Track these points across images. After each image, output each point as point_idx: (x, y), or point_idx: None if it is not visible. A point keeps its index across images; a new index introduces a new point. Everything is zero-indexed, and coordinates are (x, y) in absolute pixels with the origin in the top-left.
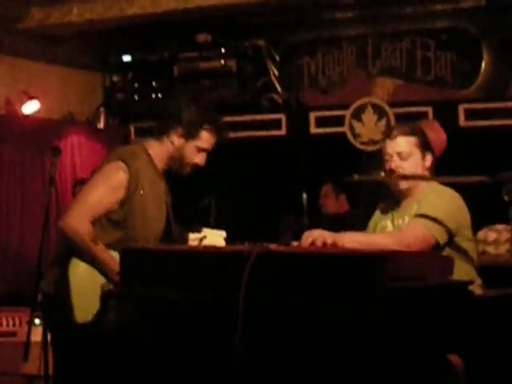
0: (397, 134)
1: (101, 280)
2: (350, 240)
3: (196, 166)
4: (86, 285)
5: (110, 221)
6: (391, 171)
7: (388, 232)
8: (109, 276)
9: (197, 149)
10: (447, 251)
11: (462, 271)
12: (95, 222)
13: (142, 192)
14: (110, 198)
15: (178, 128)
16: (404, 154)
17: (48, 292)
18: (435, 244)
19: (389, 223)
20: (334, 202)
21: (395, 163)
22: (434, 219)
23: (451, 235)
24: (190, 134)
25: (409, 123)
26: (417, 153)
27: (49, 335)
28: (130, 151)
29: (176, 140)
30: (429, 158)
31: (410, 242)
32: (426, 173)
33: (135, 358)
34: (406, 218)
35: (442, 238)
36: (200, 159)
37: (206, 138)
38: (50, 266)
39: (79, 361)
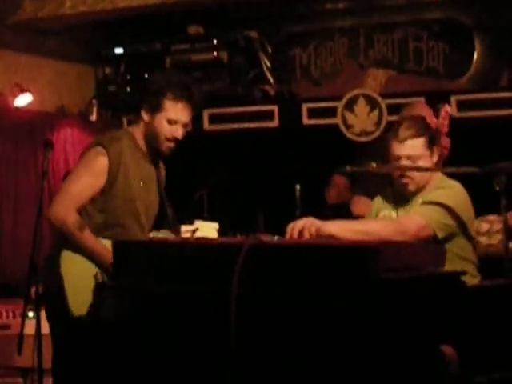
0: (405, 136)
1: (92, 269)
2: (342, 228)
3: (174, 140)
4: (78, 276)
5: (94, 205)
6: (401, 176)
7: (383, 220)
8: (99, 264)
9: (167, 121)
10: (447, 249)
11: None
12: (82, 209)
13: (125, 174)
14: (94, 184)
15: (145, 105)
16: (414, 157)
17: (44, 285)
18: (433, 236)
19: (393, 214)
20: (339, 193)
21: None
22: (435, 211)
23: (452, 232)
24: (153, 107)
25: (407, 116)
26: (426, 153)
27: (47, 327)
28: (110, 136)
29: (145, 116)
30: (436, 152)
31: (405, 230)
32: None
33: (130, 350)
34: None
35: (441, 232)
36: (174, 132)
37: (171, 108)
38: (46, 259)
39: (76, 353)
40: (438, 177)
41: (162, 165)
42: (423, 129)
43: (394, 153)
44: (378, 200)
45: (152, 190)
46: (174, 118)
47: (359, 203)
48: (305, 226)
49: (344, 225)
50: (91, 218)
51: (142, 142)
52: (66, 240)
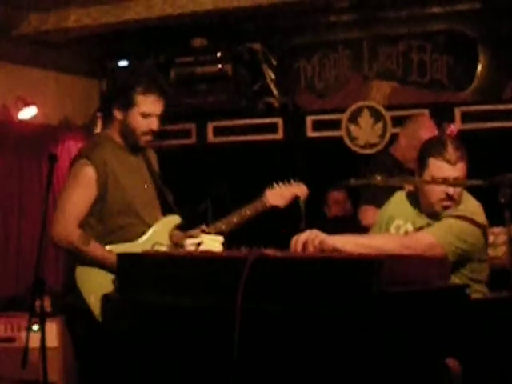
0: (457, 159)
1: (108, 276)
2: (346, 241)
3: (151, 133)
4: (96, 287)
5: (92, 215)
6: (450, 198)
7: (389, 234)
8: (112, 270)
9: (141, 115)
10: (460, 272)
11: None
12: (83, 223)
13: (115, 177)
14: (87, 196)
15: (117, 103)
16: (460, 179)
17: (68, 304)
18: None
19: (409, 226)
20: (340, 208)
21: (455, 189)
22: (450, 232)
23: (465, 257)
24: (125, 104)
25: (456, 144)
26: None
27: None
28: (91, 144)
29: (118, 114)
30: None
31: (411, 247)
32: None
33: (134, 361)
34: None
35: (453, 256)
36: (150, 125)
37: (143, 102)
38: (65, 275)
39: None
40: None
41: (151, 153)
42: (465, 154)
43: (441, 174)
44: (391, 208)
45: (143, 178)
46: (147, 111)
47: (368, 213)
48: (308, 239)
49: (349, 238)
50: (92, 228)
51: (121, 140)
52: (76, 256)
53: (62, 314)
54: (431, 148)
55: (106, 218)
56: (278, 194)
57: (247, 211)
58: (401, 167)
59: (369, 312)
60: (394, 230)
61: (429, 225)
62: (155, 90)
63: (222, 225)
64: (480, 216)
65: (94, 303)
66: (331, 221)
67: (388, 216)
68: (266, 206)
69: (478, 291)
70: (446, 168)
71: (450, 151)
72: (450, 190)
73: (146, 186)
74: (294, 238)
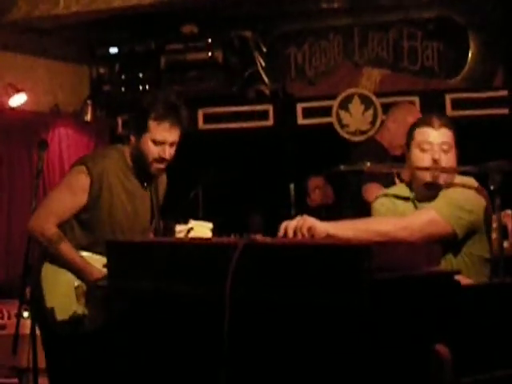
0: (441, 124)
1: (72, 279)
2: (340, 226)
3: (162, 161)
4: (56, 284)
5: (80, 223)
6: (435, 162)
7: (385, 217)
8: (77, 274)
9: (152, 142)
10: (470, 253)
11: (481, 275)
12: (63, 224)
13: (109, 192)
14: (73, 201)
15: (131, 125)
16: (447, 146)
17: (30, 292)
18: (451, 233)
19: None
20: (321, 194)
21: (438, 154)
22: (452, 205)
23: (470, 228)
24: (139, 128)
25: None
26: (454, 147)
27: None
28: (96, 154)
29: (132, 138)
30: (457, 151)
31: (407, 225)
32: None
33: (123, 350)
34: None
35: (461, 229)
36: (161, 153)
37: (155, 129)
38: (33, 267)
39: (66, 355)
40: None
41: (163, 178)
42: (453, 125)
43: (427, 139)
44: (388, 195)
45: (140, 208)
46: (158, 138)
47: (371, 189)
48: (297, 225)
49: (341, 223)
50: (74, 233)
51: (131, 161)
52: (47, 251)
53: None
54: (416, 122)
55: (90, 229)
56: None
57: None
58: (386, 155)
59: (358, 299)
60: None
61: None
62: (170, 118)
63: None
64: (480, 187)
65: (50, 302)
66: (314, 210)
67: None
68: None
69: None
70: (429, 132)
71: (433, 118)
72: (436, 155)
73: (140, 212)
74: (284, 224)
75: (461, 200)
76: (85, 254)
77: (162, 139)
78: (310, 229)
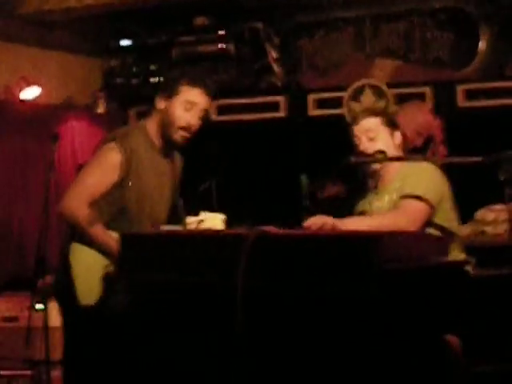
0: (361, 117)
1: (102, 260)
2: (356, 225)
3: (189, 129)
4: (87, 266)
5: (107, 201)
6: (361, 153)
7: (392, 212)
8: (110, 257)
9: (184, 105)
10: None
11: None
12: (93, 203)
13: (138, 170)
14: (106, 179)
15: (161, 92)
16: (371, 133)
17: (56, 276)
18: (430, 207)
19: (367, 206)
20: (331, 186)
21: (364, 145)
22: (421, 180)
23: (440, 198)
24: (170, 92)
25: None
26: (384, 131)
27: (55, 319)
28: (125, 131)
29: (160, 103)
30: (398, 136)
31: (399, 221)
32: (398, 150)
33: (137, 341)
34: (386, 198)
35: (434, 195)
36: (189, 119)
37: (188, 91)
38: (60, 251)
39: (86, 343)
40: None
41: (178, 156)
42: (379, 111)
43: (352, 134)
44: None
45: (166, 183)
46: (191, 99)
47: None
48: (321, 223)
49: (359, 221)
50: (102, 212)
51: (155, 136)
52: (76, 232)
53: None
54: None
55: (116, 207)
56: None
57: None
58: None
59: (369, 289)
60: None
61: None
62: (202, 84)
63: None
64: (434, 169)
65: (79, 280)
66: (325, 201)
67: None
68: None
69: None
70: (354, 128)
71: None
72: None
73: (165, 189)
74: (307, 222)
75: (428, 175)
76: (114, 234)
77: (193, 100)
78: (334, 227)
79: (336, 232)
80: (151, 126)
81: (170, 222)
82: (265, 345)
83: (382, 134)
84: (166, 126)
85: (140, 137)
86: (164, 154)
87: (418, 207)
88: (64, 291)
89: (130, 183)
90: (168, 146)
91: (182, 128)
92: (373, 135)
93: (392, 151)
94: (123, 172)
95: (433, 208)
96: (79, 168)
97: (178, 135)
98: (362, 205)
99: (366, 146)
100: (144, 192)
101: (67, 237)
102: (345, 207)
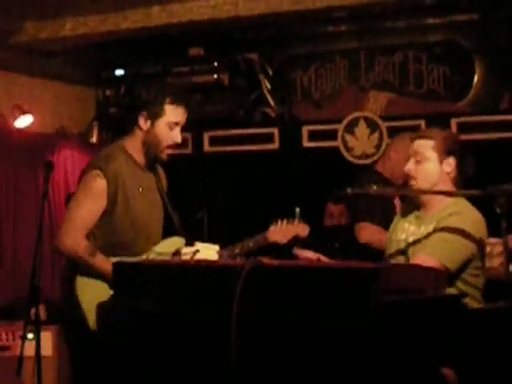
0: (415, 136)
1: (110, 290)
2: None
3: (173, 146)
4: (96, 298)
5: (97, 227)
6: (406, 176)
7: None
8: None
9: (168, 125)
10: (460, 277)
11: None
12: (89, 234)
13: (124, 192)
14: (96, 207)
15: (143, 112)
16: (419, 156)
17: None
18: (446, 271)
19: (411, 227)
20: (335, 220)
21: (409, 165)
22: (447, 247)
23: (465, 262)
24: (154, 114)
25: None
26: (433, 156)
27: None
28: (105, 155)
29: (144, 124)
30: (451, 163)
31: None
32: (447, 178)
33: (130, 369)
34: (423, 228)
35: (453, 264)
36: (175, 137)
37: (172, 112)
38: (61, 282)
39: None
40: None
41: (161, 172)
42: (436, 134)
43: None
44: (396, 217)
45: (154, 199)
46: (174, 120)
47: (363, 231)
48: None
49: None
50: (96, 240)
51: (136, 154)
52: (78, 265)
53: (58, 323)
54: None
55: (110, 232)
56: (281, 232)
57: (250, 244)
58: (388, 184)
59: (365, 321)
60: (394, 235)
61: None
62: (184, 103)
63: (225, 253)
64: (475, 226)
65: (89, 310)
66: (327, 230)
67: (394, 223)
68: (267, 241)
69: (473, 298)
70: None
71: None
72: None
73: (154, 205)
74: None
75: (452, 242)
76: (114, 259)
77: (178, 120)
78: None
79: (332, 263)
80: (131, 144)
81: (166, 235)
82: (259, 377)
83: (431, 160)
84: (150, 146)
85: (121, 157)
86: (147, 170)
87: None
88: (75, 323)
89: (119, 207)
90: (150, 162)
91: (168, 146)
92: (420, 158)
93: (436, 178)
94: (110, 197)
95: (449, 267)
96: (69, 197)
97: (165, 153)
98: (402, 221)
99: (410, 167)
100: (135, 212)
101: (68, 271)
102: (347, 237)
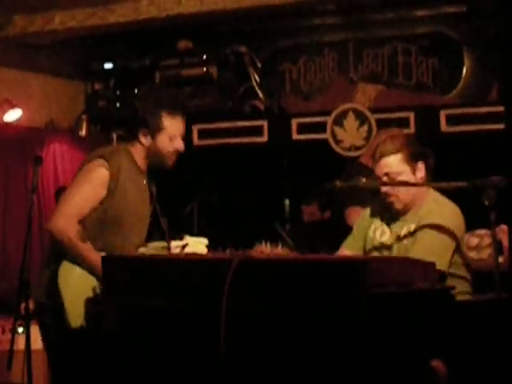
0: (380, 155)
1: (92, 283)
2: None
3: (178, 153)
4: (77, 288)
5: (91, 217)
6: (386, 195)
7: None
8: (98, 276)
9: (169, 138)
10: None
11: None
12: (82, 220)
13: (123, 187)
14: (95, 195)
15: (143, 129)
16: (392, 174)
17: (40, 298)
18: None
19: (385, 228)
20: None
21: (384, 188)
22: (431, 253)
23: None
24: (153, 129)
25: (388, 138)
26: (406, 169)
27: (37, 343)
28: (111, 150)
29: (145, 141)
30: (420, 168)
31: None
32: (421, 181)
33: (119, 364)
34: (405, 229)
35: (444, 266)
36: (178, 146)
37: (171, 125)
38: (40, 272)
39: (73, 365)
40: (429, 193)
41: (153, 182)
42: (401, 145)
43: (375, 172)
44: (367, 215)
45: (145, 203)
46: (174, 133)
47: (352, 213)
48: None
49: None
50: (86, 230)
51: (140, 162)
52: (63, 253)
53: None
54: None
55: (103, 224)
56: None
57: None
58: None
59: (355, 313)
60: (372, 233)
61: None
62: (181, 112)
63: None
64: (455, 212)
65: (70, 303)
66: (307, 225)
67: (367, 220)
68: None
69: (461, 290)
70: (376, 166)
71: (377, 149)
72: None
73: (145, 208)
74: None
75: (438, 244)
76: (103, 254)
77: (176, 133)
78: None
79: (322, 257)
80: (136, 152)
81: (149, 238)
82: (249, 370)
83: (404, 173)
84: (154, 158)
85: (125, 157)
86: (144, 176)
87: None
88: (51, 314)
89: (115, 200)
90: (150, 169)
91: (172, 155)
92: (393, 175)
93: (414, 188)
94: (110, 188)
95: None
96: (59, 191)
97: (170, 162)
98: (378, 224)
99: (387, 189)
100: (130, 207)
101: (53, 257)
102: (328, 231)
